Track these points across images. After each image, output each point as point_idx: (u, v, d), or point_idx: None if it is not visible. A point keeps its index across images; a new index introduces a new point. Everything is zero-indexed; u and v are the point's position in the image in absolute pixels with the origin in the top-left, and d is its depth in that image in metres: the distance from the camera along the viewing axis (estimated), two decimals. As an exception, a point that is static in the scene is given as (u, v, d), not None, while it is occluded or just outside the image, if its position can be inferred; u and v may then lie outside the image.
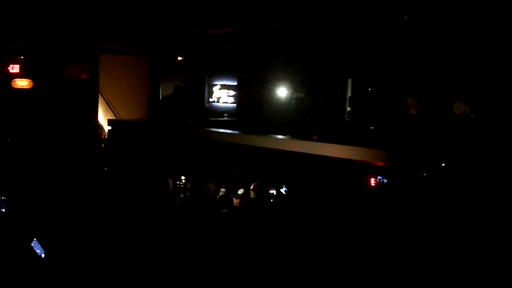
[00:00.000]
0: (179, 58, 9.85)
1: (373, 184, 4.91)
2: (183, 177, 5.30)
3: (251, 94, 9.43)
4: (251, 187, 5.02)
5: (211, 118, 10.10)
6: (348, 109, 7.93)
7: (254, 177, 5.35)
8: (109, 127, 8.40)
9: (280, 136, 6.17)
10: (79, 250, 3.24)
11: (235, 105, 10.55)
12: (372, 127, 6.54)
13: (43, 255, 3.29)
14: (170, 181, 4.48)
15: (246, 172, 6.03)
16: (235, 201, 4.76)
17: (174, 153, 6.82)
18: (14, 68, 8.39)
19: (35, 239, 3.33)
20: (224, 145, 6.50)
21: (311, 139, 5.91)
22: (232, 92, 10.72)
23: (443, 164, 4.25)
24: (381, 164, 4.89)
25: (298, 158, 5.58)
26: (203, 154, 6.66)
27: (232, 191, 4.95)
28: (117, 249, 3.25)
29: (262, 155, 6.01)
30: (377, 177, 4.90)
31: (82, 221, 3.72)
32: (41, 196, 4.55)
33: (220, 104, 10.92)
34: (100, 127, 9.05)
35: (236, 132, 6.95)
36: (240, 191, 4.85)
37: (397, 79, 6.88)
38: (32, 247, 3.30)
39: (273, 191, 5.06)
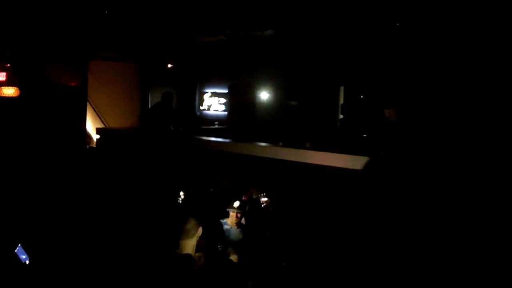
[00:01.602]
0: (170, 66, 9.82)
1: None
2: (182, 193, 5.17)
3: (242, 101, 9.44)
4: (242, 198, 4.93)
5: (202, 126, 10.06)
6: (341, 116, 7.94)
7: (246, 187, 5.30)
8: (98, 136, 8.30)
9: (268, 144, 6.13)
10: (64, 257, 3.21)
11: (226, 113, 10.57)
12: (364, 135, 6.54)
13: (27, 262, 3.24)
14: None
15: (238, 182, 5.97)
16: (231, 214, 4.63)
17: (166, 164, 6.75)
18: (1, 76, 8.27)
19: (19, 245, 3.29)
20: (214, 154, 6.44)
21: (304, 147, 5.87)
22: (223, 100, 10.69)
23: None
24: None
25: (290, 167, 5.54)
26: (194, 164, 6.59)
27: (226, 205, 4.78)
28: (102, 259, 3.26)
29: (254, 164, 5.95)
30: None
31: (67, 229, 3.69)
32: (26, 203, 4.50)
33: (211, 112, 10.88)
34: (89, 136, 8.95)
35: (227, 140, 6.89)
36: (236, 204, 4.70)
37: (390, 87, 6.89)
38: (16, 254, 3.25)
39: (265, 199, 4.98)
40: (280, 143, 6.11)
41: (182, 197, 5.08)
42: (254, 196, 5.26)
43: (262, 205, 4.84)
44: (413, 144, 4.23)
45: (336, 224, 4.28)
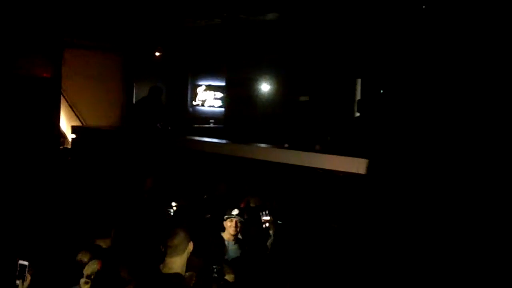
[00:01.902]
0: (158, 55, 9.89)
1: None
2: (174, 204, 5.19)
3: (242, 96, 9.49)
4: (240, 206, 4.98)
5: (195, 125, 10.12)
6: (357, 114, 7.99)
7: (244, 195, 5.34)
8: (73, 136, 8.37)
9: (271, 146, 6.19)
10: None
11: (223, 109, 10.61)
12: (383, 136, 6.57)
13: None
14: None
15: (236, 188, 6.03)
16: (229, 224, 4.66)
17: (152, 168, 6.81)
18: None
19: None
20: (209, 157, 6.50)
21: (313, 150, 5.92)
22: (219, 94, 10.74)
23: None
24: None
25: (297, 172, 5.59)
26: (186, 168, 6.65)
27: (223, 213, 4.83)
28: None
29: (254, 169, 6.00)
30: None
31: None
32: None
33: (206, 108, 10.92)
34: (63, 135, 9.02)
35: (224, 141, 6.95)
36: (235, 212, 4.73)
37: (417, 79, 6.93)
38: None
39: (267, 217, 5.00)
40: (286, 145, 6.15)
41: (175, 208, 5.10)
42: (252, 204, 5.31)
43: (264, 225, 4.86)
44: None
45: (349, 241, 4.34)
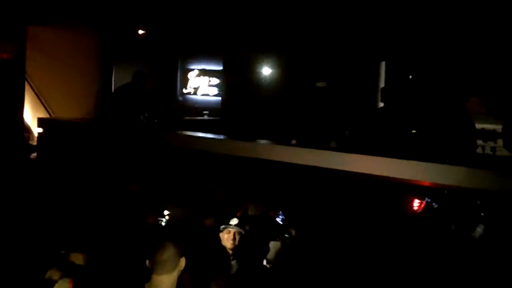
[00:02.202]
0: (142, 33, 9.86)
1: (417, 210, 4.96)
2: (166, 213, 5.19)
3: (243, 83, 9.48)
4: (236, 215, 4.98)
5: (186, 117, 10.11)
6: (381, 104, 7.94)
7: (243, 201, 5.34)
8: (40, 129, 8.36)
9: (279, 144, 6.17)
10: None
11: (219, 98, 10.61)
12: (414, 131, 6.57)
13: None
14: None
15: (235, 194, 6.01)
16: (226, 235, 4.64)
17: (135, 169, 6.81)
18: None
19: None
20: (204, 156, 6.50)
21: (328, 148, 5.91)
22: (215, 80, 10.74)
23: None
24: (427, 184, 4.89)
25: (308, 174, 5.57)
26: (176, 169, 6.64)
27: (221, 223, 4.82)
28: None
29: (257, 170, 5.99)
30: (423, 200, 4.95)
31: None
32: None
33: (199, 97, 10.94)
34: (27, 129, 9.00)
35: (220, 137, 6.93)
36: (233, 221, 4.73)
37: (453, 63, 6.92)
38: None
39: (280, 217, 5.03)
40: (293, 141, 6.15)
41: (167, 217, 5.11)
42: (251, 213, 5.31)
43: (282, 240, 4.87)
44: None
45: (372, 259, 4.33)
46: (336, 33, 8.02)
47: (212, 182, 6.27)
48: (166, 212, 5.11)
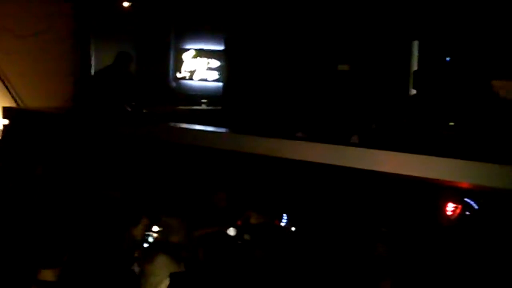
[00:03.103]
0: (127, 5, 9.90)
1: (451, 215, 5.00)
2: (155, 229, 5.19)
3: (249, 65, 9.49)
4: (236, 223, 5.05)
5: (180, 107, 10.14)
6: (413, 91, 8.04)
7: (245, 208, 5.39)
8: (6, 121, 8.41)
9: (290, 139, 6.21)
10: None
11: (220, 84, 10.61)
12: (452, 123, 6.58)
13: None
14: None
15: (237, 198, 6.06)
16: None
17: (118, 168, 6.85)
18: None
19: None
20: (202, 153, 6.53)
21: (349, 143, 5.93)
22: (215, 63, 10.75)
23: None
24: (465, 185, 4.93)
25: (322, 173, 5.61)
26: (168, 167, 6.69)
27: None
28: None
29: (263, 170, 6.03)
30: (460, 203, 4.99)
31: None
32: None
33: (195, 83, 10.96)
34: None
35: (222, 130, 6.97)
36: (231, 232, 4.80)
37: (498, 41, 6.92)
38: None
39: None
40: (299, 133, 6.17)
41: (155, 234, 5.12)
42: (254, 221, 5.37)
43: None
44: None
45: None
46: (361, 6, 8.04)
47: (211, 183, 6.30)
48: (155, 228, 5.09)
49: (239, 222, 5.25)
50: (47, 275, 3.86)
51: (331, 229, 5.40)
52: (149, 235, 5.05)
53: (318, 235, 5.31)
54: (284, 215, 5.40)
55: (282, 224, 5.38)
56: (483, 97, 6.54)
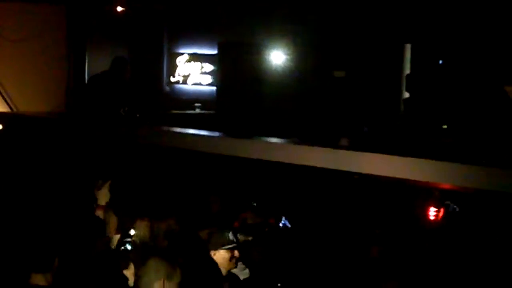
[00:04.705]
0: (120, 10, 9.89)
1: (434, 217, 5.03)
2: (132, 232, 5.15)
3: (243, 70, 9.49)
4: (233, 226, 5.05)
5: (174, 111, 10.13)
6: (406, 95, 8.06)
7: (240, 210, 5.39)
8: (-1, 126, 8.41)
9: (281, 141, 6.21)
10: None
11: (213, 88, 10.60)
12: (444, 126, 6.58)
13: None
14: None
15: (231, 202, 6.06)
16: (226, 255, 4.65)
17: (112, 172, 6.83)
18: None
19: None
20: (196, 157, 6.53)
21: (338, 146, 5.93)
22: (209, 67, 10.74)
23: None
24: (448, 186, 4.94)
25: (316, 177, 5.61)
26: (162, 172, 6.69)
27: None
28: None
29: (258, 173, 6.04)
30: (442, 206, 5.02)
31: None
32: None
33: (189, 87, 10.94)
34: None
35: (215, 134, 6.98)
36: (230, 236, 4.76)
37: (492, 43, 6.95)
38: None
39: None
40: (295, 139, 6.19)
41: (132, 238, 5.08)
42: (250, 221, 5.38)
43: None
44: None
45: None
46: (354, 10, 8.05)
47: (205, 187, 6.31)
48: (132, 232, 5.03)
49: (236, 224, 5.27)
50: (39, 279, 3.88)
51: (325, 231, 5.41)
52: (126, 241, 5.01)
53: (311, 237, 5.33)
54: (283, 217, 5.43)
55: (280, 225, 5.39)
56: (477, 100, 6.56)
